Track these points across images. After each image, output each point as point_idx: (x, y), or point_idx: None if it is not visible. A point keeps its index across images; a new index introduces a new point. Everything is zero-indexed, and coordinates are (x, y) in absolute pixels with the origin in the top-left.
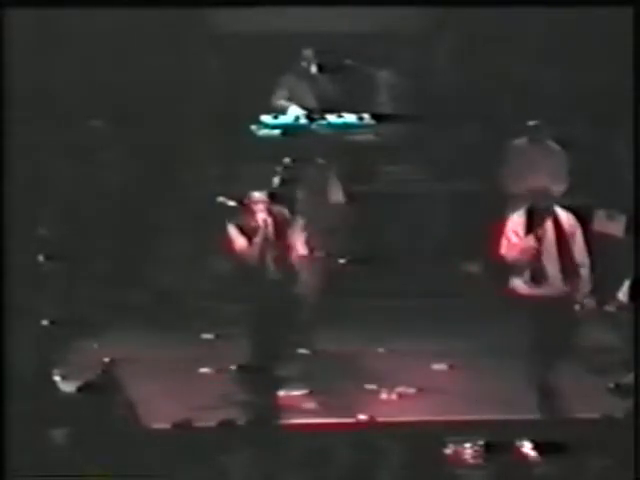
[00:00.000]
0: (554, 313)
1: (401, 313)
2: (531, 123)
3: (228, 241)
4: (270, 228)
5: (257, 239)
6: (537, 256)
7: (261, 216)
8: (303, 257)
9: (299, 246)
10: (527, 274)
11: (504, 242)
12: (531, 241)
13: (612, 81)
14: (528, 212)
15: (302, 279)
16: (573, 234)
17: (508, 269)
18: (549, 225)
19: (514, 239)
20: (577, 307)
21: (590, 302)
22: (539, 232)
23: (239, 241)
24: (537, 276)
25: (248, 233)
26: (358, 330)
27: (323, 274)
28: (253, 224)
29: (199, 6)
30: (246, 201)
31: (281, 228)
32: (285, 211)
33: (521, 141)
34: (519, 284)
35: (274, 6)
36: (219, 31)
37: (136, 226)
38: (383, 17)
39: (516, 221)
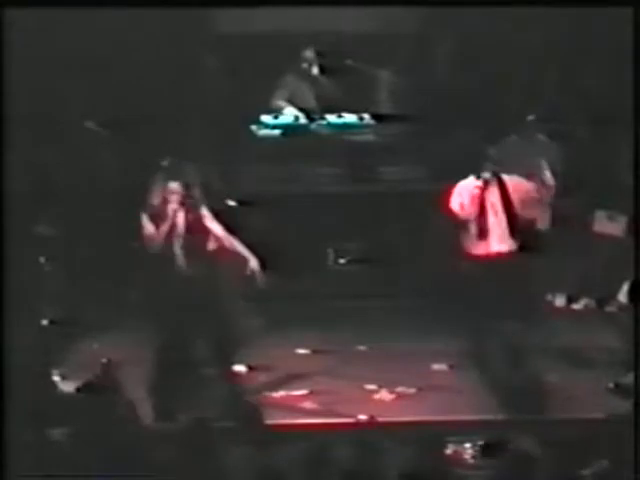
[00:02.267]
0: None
1: (401, 313)
2: (529, 118)
3: (139, 230)
4: (180, 219)
5: (163, 227)
6: (480, 216)
7: (172, 206)
8: (217, 249)
9: (218, 234)
10: (473, 231)
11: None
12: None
13: (612, 81)
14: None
15: (217, 274)
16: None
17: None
18: (494, 189)
19: (458, 207)
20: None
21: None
22: (484, 196)
23: (147, 228)
24: (482, 232)
25: (159, 222)
26: (358, 330)
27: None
28: (164, 214)
29: (199, 6)
30: (161, 191)
31: (193, 221)
32: (200, 204)
33: (512, 137)
34: (468, 241)
35: (274, 6)
36: (219, 31)
37: (137, 226)
38: (383, 17)
39: (464, 187)
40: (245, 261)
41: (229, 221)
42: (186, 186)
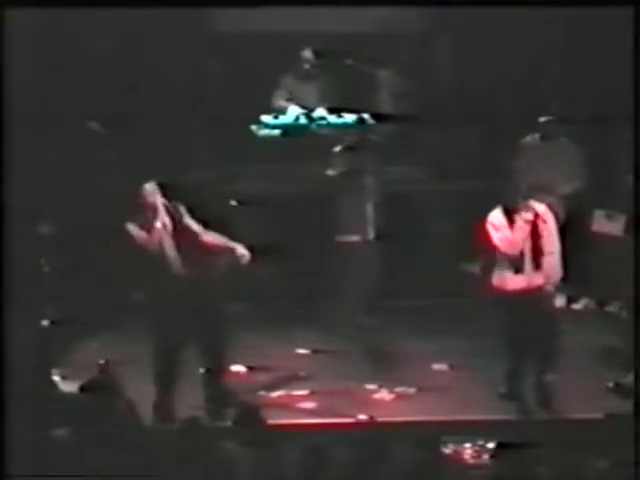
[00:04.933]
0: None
1: (401, 313)
2: (542, 119)
3: (130, 239)
4: (167, 218)
5: (157, 225)
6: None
7: (160, 201)
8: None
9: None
10: (509, 266)
11: (494, 235)
12: (519, 233)
13: (612, 81)
14: (504, 208)
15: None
16: (544, 225)
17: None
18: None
19: (501, 233)
20: (549, 297)
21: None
22: (518, 225)
23: (140, 235)
24: (519, 267)
25: (148, 228)
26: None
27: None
28: (151, 217)
29: (199, 6)
30: (140, 197)
31: (177, 218)
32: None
33: (533, 138)
34: (502, 277)
35: (274, 6)
36: (219, 31)
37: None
38: (383, 17)
39: (497, 217)
40: (233, 252)
41: (228, 221)
42: (161, 185)
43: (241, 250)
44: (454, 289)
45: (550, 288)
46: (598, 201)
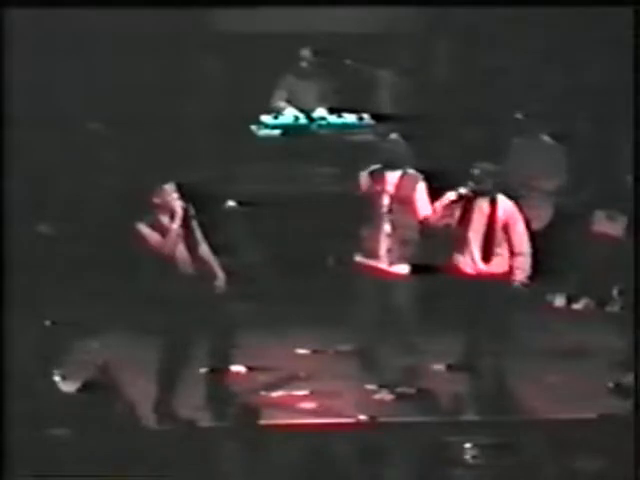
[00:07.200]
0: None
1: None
2: (518, 116)
3: (142, 240)
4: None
5: (174, 226)
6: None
7: (178, 203)
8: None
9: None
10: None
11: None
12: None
13: (612, 81)
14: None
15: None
16: (509, 223)
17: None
18: (483, 208)
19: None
20: (517, 285)
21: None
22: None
23: (153, 237)
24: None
25: (160, 229)
26: (357, 330)
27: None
28: (163, 220)
29: (199, 6)
30: (156, 198)
31: (188, 220)
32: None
33: (518, 138)
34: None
35: (274, 6)
36: (219, 31)
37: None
38: (383, 17)
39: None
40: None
41: (228, 221)
42: (179, 186)
43: (220, 281)
44: (454, 288)
45: (516, 282)
46: (599, 202)
